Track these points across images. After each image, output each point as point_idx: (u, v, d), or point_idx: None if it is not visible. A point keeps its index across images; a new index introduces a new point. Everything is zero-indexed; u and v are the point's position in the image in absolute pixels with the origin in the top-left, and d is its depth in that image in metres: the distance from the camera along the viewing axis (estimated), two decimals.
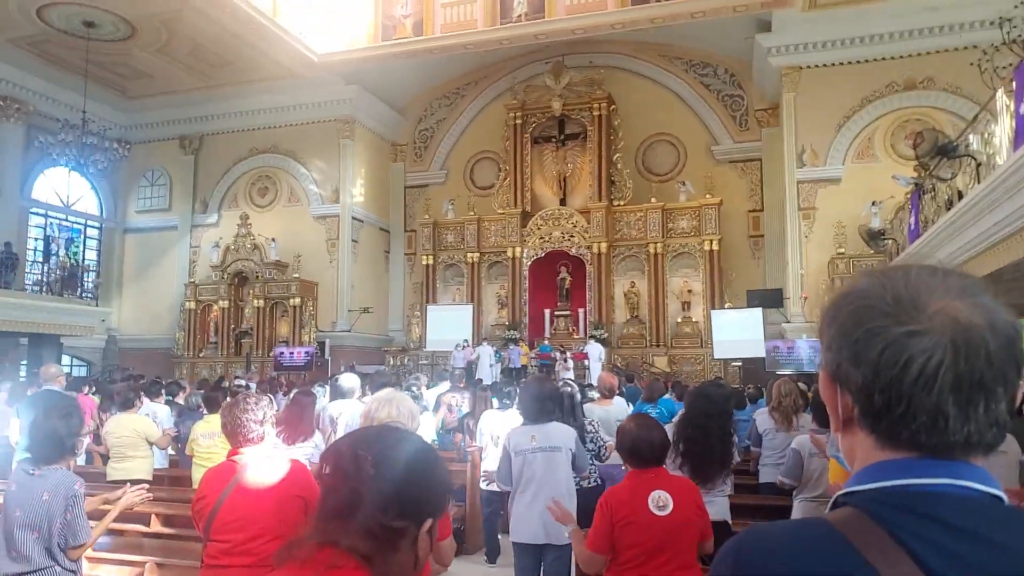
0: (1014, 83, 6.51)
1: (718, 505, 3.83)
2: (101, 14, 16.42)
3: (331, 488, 1.13)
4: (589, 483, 4.93)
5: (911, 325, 0.75)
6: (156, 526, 4.41)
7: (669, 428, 4.22)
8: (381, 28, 18.31)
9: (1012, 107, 6.48)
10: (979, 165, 7.59)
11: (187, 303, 20.37)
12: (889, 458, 0.78)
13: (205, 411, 5.98)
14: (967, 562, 0.71)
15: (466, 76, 21.79)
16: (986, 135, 7.40)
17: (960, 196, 8.16)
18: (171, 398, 8.45)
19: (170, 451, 7.31)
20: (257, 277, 19.82)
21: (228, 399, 3.85)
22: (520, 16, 17.28)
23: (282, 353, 18.43)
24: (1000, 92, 7.01)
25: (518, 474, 4.02)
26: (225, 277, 20.16)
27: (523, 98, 20.22)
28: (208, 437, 5.09)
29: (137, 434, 5.91)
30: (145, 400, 6.94)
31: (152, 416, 6.57)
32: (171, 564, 4.20)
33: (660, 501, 2.81)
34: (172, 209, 21.98)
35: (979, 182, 7.33)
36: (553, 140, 20.31)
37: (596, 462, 5.21)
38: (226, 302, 20.07)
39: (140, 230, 22.25)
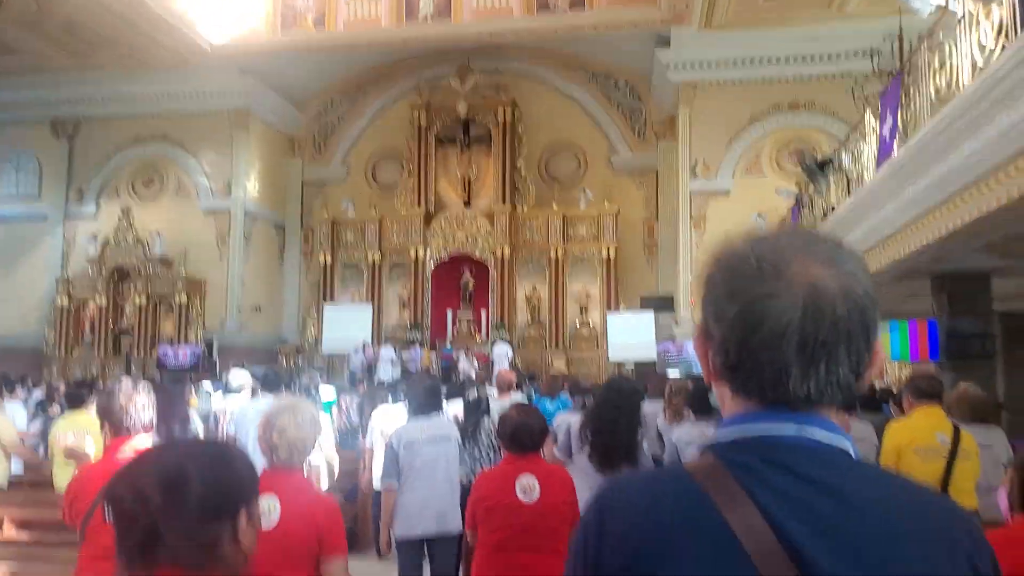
0: (880, 107, 7.07)
1: None
2: None
3: (124, 529, 1.08)
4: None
5: (769, 287, 0.79)
6: (10, 532, 4.07)
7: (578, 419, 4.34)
8: (280, 19, 17.75)
9: (877, 129, 7.03)
10: (850, 181, 8.18)
11: (59, 299, 18.95)
12: (745, 409, 0.83)
13: (64, 408, 5.59)
14: (802, 505, 0.75)
15: (369, 73, 21.40)
16: (856, 154, 7.99)
17: (834, 209, 8.77)
18: (41, 411, 7.89)
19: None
20: (139, 273, 18.70)
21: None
22: (426, 17, 17.20)
23: (166, 353, 17.48)
24: (868, 115, 7.59)
25: (408, 467, 3.97)
26: (103, 272, 18.89)
27: (428, 98, 20.11)
28: (70, 436, 4.75)
29: None
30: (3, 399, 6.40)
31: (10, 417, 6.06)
32: (27, 572, 3.89)
33: (527, 487, 2.90)
34: (42, 198, 20.31)
35: (849, 196, 7.90)
36: (458, 142, 20.30)
37: (492, 455, 5.28)
38: (104, 299, 18.82)
39: (3, 219, 20.33)
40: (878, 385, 11.33)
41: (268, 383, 6.08)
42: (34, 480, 5.84)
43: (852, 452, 0.82)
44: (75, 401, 5.07)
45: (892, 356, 8.92)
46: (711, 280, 0.85)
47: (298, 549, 2.29)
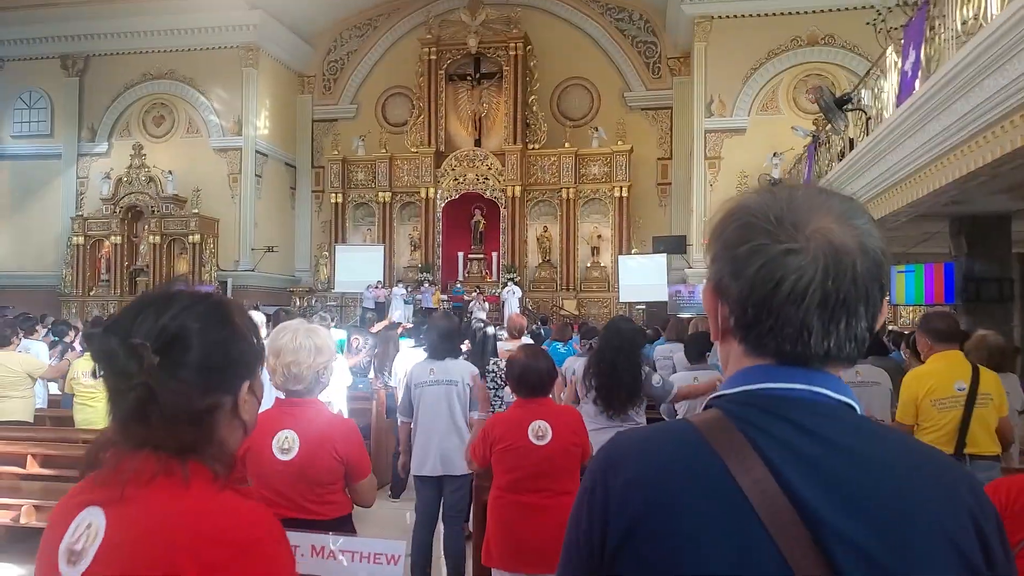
0: (902, 41, 6.82)
1: None
2: None
3: (117, 391, 0.95)
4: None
5: (789, 244, 0.78)
6: (33, 468, 4.20)
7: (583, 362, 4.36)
8: None
9: (899, 64, 6.80)
10: (869, 119, 7.96)
11: (75, 238, 19.11)
12: (753, 365, 0.83)
13: (84, 348, 5.68)
14: (809, 460, 0.75)
15: (379, 6, 20.91)
16: (876, 90, 7.76)
17: (852, 148, 8.57)
18: (58, 339, 7.99)
19: (52, 389, 6.94)
20: (153, 212, 18.79)
21: None
22: None
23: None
24: (890, 50, 7.33)
25: (416, 408, 4.05)
26: (117, 211, 18.99)
27: (438, 33, 19.63)
28: (90, 376, 4.84)
29: (16, 372, 5.55)
30: (21, 337, 6.49)
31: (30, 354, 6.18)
32: (50, 506, 4.02)
33: (539, 431, 2.94)
34: (55, 136, 20.29)
35: (868, 135, 7.71)
36: (468, 78, 19.91)
37: (500, 397, 5.34)
38: (119, 238, 18.97)
39: (16, 157, 20.42)
40: (888, 328, 11.28)
41: (279, 323, 6.03)
42: (56, 416, 6.01)
43: (858, 409, 0.82)
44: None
45: (906, 300, 8.80)
46: (725, 236, 0.84)
47: (323, 476, 2.35)
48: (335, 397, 5.04)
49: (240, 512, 0.94)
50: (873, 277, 0.79)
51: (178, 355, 0.96)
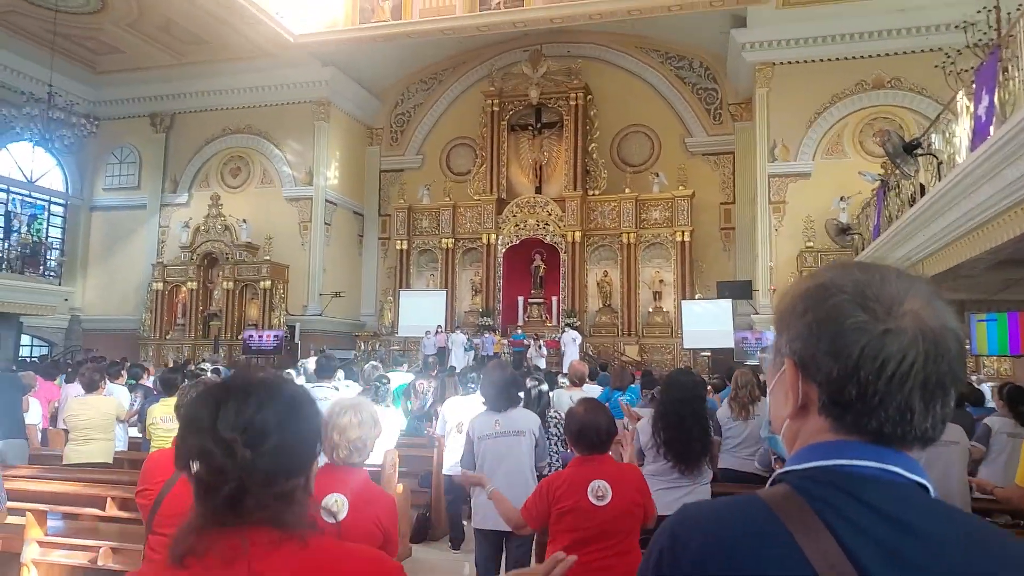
0: (974, 85, 6.65)
1: (700, 496, 3.78)
2: None
3: (210, 486, 1.03)
4: (550, 471, 4.95)
5: (887, 324, 0.79)
6: (112, 510, 4.34)
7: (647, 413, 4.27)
8: (359, 10, 18.11)
9: (971, 108, 6.62)
10: (940, 163, 7.74)
11: (155, 284, 20.10)
12: (824, 440, 0.83)
13: (160, 392, 5.94)
14: (879, 540, 0.75)
15: (444, 61, 21.65)
16: (947, 134, 7.55)
17: (923, 193, 8.32)
18: (134, 381, 8.34)
19: (132, 431, 7.24)
20: (227, 259, 19.61)
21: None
22: (499, 3, 17.20)
23: (251, 336, 18.28)
24: (961, 94, 7.15)
25: (481, 460, 3.99)
26: (194, 258, 19.91)
27: (501, 85, 20.15)
28: (167, 420, 5.04)
29: (104, 416, 5.82)
30: (107, 382, 6.83)
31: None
32: (127, 549, 4.14)
33: (599, 491, 2.83)
34: (141, 187, 21.62)
35: (940, 180, 7.48)
36: (530, 128, 20.28)
37: (561, 448, 5.26)
38: (195, 283, 19.84)
39: (107, 208, 21.89)
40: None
41: (321, 371, 6.05)
42: (134, 459, 6.24)
43: (931, 489, 0.81)
44: (170, 387, 5.38)
45: (989, 350, 8.31)
46: (816, 313, 0.83)
47: (365, 542, 2.37)
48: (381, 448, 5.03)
49: (373, 559, 1.12)
50: (960, 357, 0.80)
51: (263, 447, 1.04)
